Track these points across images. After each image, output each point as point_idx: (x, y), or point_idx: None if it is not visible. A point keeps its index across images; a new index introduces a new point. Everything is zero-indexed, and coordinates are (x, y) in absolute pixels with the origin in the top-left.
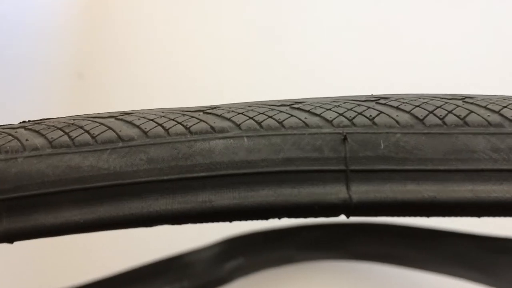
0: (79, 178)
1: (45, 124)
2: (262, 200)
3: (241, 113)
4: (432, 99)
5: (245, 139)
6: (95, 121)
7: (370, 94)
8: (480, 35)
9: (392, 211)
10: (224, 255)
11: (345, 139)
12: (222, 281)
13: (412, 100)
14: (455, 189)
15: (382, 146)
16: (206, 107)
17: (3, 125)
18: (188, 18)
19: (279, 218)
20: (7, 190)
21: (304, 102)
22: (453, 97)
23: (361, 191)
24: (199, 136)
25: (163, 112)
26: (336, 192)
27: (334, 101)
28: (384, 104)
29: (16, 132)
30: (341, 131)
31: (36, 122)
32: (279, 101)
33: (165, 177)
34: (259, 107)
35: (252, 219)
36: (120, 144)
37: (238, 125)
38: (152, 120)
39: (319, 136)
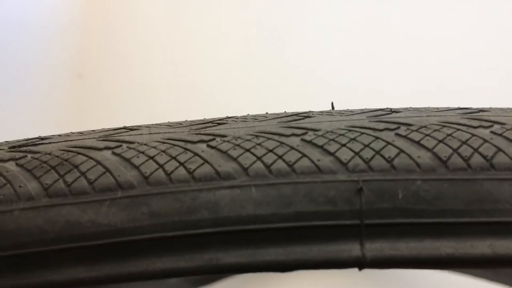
0: (79, 236)
1: (37, 159)
2: (271, 259)
3: (249, 150)
4: (458, 130)
5: (253, 189)
6: (90, 157)
7: (387, 108)
8: (482, 35)
9: (407, 266)
10: None
11: (360, 189)
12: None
13: (435, 130)
14: (474, 245)
15: (400, 196)
16: (210, 135)
17: None
18: (189, 17)
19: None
20: (8, 247)
21: (317, 129)
22: (480, 125)
23: (375, 248)
24: (204, 184)
25: (163, 143)
26: (349, 249)
27: (349, 129)
28: (405, 136)
29: (7, 171)
30: (356, 179)
31: (26, 150)
32: (288, 122)
33: (169, 234)
34: (268, 139)
35: (261, 272)
36: (120, 194)
37: (246, 170)
38: (152, 158)
39: (332, 185)
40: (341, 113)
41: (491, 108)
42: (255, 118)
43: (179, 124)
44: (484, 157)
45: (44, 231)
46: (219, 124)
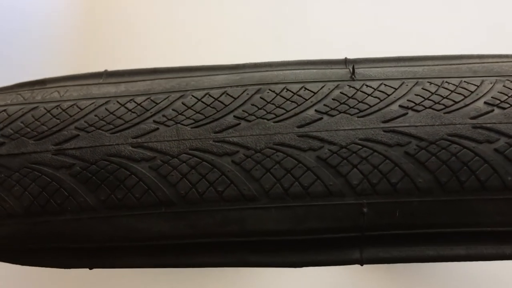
0: (137, 238)
1: (86, 170)
2: (288, 261)
3: (269, 170)
4: (464, 148)
5: (273, 210)
6: (131, 172)
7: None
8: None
9: (398, 262)
10: None
11: (364, 212)
12: None
13: (442, 148)
14: (453, 248)
15: (397, 215)
16: (233, 144)
17: (39, 155)
18: (189, 17)
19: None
20: (84, 242)
21: (333, 143)
22: (487, 139)
23: (372, 252)
24: (231, 204)
25: (192, 157)
26: (350, 253)
27: (362, 146)
28: (413, 156)
29: (64, 184)
30: (362, 202)
31: (72, 155)
32: (306, 126)
33: (207, 240)
34: (287, 156)
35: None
36: (163, 210)
37: (267, 192)
38: (185, 176)
39: (340, 208)
40: (359, 109)
41: (508, 97)
42: (274, 113)
43: (203, 117)
44: (479, 180)
45: (110, 234)
46: (240, 119)
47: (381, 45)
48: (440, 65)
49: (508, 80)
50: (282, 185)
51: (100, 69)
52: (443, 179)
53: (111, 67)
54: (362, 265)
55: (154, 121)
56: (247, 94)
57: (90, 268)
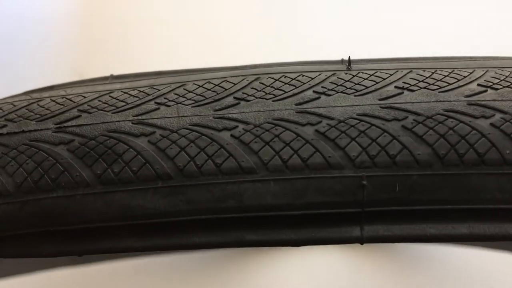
0: (131, 216)
1: (85, 146)
2: (287, 238)
3: (268, 143)
4: (460, 122)
5: (272, 183)
6: (130, 146)
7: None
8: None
9: (398, 242)
10: None
11: (364, 185)
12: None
13: (439, 122)
14: (455, 226)
15: (397, 189)
16: (232, 120)
17: (39, 132)
18: (189, 17)
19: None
20: (74, 223)
21: (331, 118)
22: (483, 114)
23: (372, 229)
24: (230, 178)
25: (192, 131)
26: (350, 231)
27: (360, 120)
28: (410, 129)
29: (62, 159)
30: (361, 174)
31: (72, 132)
32: (304, 104)
33: (203, 217)
34: (285, 130)
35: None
36: (160, 184)
37: (265, 165)
38: (183, 149)
39: (340, 180)
40: (356, 89)
41: (500, 80)
42: (273, 93)
43: (203, 98)
44: (478, 153)
45: (103, 212)
46: (240, 100)
47: (381, 47)
48: (433, 61)
49: (499, 69)
50: (281, 157)
51: (100, 70)
52: (441, 151)
53: (111, 68)
54: (362, 243)
55: (155, 102)
56: (247, 80)
57: (79, 255)
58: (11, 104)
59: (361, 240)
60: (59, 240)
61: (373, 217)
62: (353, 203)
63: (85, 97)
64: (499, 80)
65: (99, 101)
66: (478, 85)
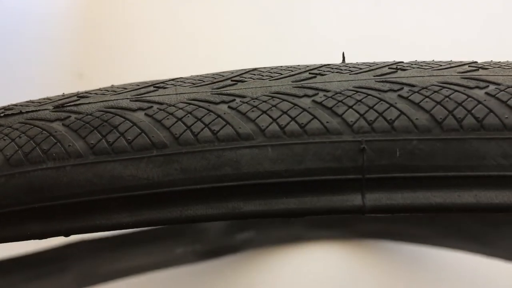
0: (123, 187)
1: (80, 120)
2: (285, 207)
3: (265, 112)
4: (455, 91)
5: (269, 148)
6: (127, 119)
7: (394, 65)
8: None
9: (402, 213)
10: (237, 226)
11: (363, 149)
12: (232, 250)
13: (434, 92)
14: (460, 195)
15: (397, 154)
16: (230, 95)
17: (37, 112)
18: (189, 16)
19: (301, 217)
20: (62, 197)
21: (327, 90)
22: (477, 85)
23: (374, 198)
24: (226, 144)
25: (189, 104)
26: (351, 199)
27: (356, 91)
28: (407, 98)
29: (55, 132)
30: (360, 139)
31: (70, 110)
32: (301, 82)
33: (198, 186)
34: (283, 100)
35: (275, 218)
36: (155, 152)
37: (263, 131)
38: (180, 120)
39: (339, 145)
40: (351, 70)
41: (490, 64)
42: (270, 75)
43: (202, 82)
44: (476, 118)
45: (93, 184)
46: (238, 81)
47: (381, 49)
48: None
49: (490, 63)
50: (279, 124)
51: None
52: (439, 116)
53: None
54: (364, 214)
55: (154, 86)
56: (244, 70)
57: (66, 235)
58: (14, 104)
59: (363, 209)
60: (45, 218)
61: (374, 184)
62: (354, 169)
63: (87, 91)
64: (488, 64)
65: (100, 89)
66: (469, 66)
